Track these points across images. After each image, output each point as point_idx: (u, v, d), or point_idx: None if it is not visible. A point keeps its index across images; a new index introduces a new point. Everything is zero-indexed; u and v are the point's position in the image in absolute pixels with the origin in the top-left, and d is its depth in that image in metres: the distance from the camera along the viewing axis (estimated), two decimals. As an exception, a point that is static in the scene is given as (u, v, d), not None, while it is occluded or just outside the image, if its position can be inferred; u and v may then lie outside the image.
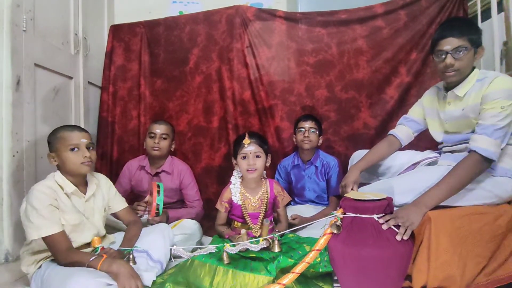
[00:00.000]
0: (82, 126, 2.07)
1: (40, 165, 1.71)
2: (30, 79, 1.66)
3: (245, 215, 1.50)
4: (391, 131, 1.56)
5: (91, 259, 1.13)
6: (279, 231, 1.41)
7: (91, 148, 1.30)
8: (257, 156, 1.46)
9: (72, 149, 1.25)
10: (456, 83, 1.30)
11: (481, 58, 1.31)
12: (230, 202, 1.53)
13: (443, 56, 1.27)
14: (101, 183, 1.41)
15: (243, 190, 1.52)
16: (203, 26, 2.27)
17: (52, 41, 1.88)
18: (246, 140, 1.45)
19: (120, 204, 1.47)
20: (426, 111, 1.49)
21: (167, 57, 2.33)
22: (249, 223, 1.50)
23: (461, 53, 1.24)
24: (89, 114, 2.26)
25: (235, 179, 1.54)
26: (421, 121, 1.52)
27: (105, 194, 1.41)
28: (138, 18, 2.40)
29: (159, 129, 1.87)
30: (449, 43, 1.25)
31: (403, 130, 1.53)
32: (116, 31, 2.40)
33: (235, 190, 1.51)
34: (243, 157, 1.46)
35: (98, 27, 2.42)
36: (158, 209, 1.60)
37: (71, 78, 2.05)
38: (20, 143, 1.57)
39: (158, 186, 1.61)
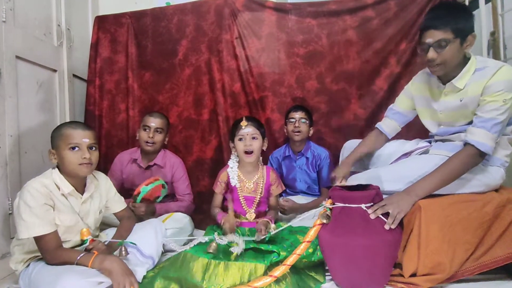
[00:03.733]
0: (68, 120, 2.03)
1: (24, 160, 1.66)
2: (12, 72, 1.60)
3: (240, 198, 1.52)
4: (377, 124, 1.55)
5: (79, 257, 1.10)
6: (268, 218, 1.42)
7: (93, 148, 1.23)
8: (254, 138, 1.47)
9: (72, 148, 1.18)
10: (451, 74, 1.23)
11: (471, 46, 1.20)
12: (226, 183, 1.55)
13: (426, 49, 1.20)
14: (100, 184, 1.36)
15: (240, 174, 1.55)
16: (192, 17, 2.22)
17: (34, 33, 1.81)
18: (244, 122, 1.47)
19: (119, 205, 1.44)
20: (416, 101, 1.43)
21: (155, 49, 2.27)
22: (244, 206, 1.53)
23: (443, 47, 1.16)
24: (75, 108, 2.21)
25: (232, 162, 1.55)
26: (408, 112, 1.49)
27: (104, 195, 1.37)
28: (123, 9, 2.33)
29: (154, 122, 1.82)
30: (430, 36, 1.17)
31: (389, 124, 1.52)
32: (101, 22, 2.32)
33: (232, 173, 1.53)
34: (240, 138, 1.47)
35: (82, 18, 2.35)
36: (138, 194, 1.59)
37: (55, 70, 1.99)
38: (2, 138, 1.52)
39: (156, 180, 1.63)
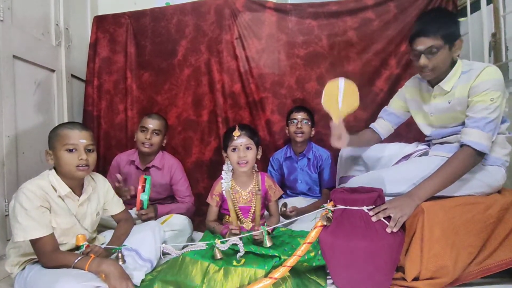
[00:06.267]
0: (66, 121, 2.01)
1: (21, 161, 1.64)
2: (9, 71, 1.58)
3: (236, 209, 1.48)
4: (371, 125, 1.57)
5: (76, 260, 1.08)
6: (269, 226, 1.39)
7: (90, 150, 1.20)
8: (248, 148, 1.42)
9: (69, 150, 1.15)
10: (440, 77, 1.27)
11: (459, 51, 1.24)
12: (221, 195, 1.51)
13: (418, 56, 1.23)
14: (98, 186, 1.33)
15: (234, 184, 1.50)
16: (191, 17, 2.21)
17: (32, 32, 1.80)
18: (236, 132, 1.41)
19: (117, 207, 1.41)
20: (409, 104, 1.47)
21: (154, 49, 2.26)
22: (240, 217, 1.48)
23: (434, 53, 1.19)
24: (73, 108, 2.19)
25: (225, 173, 1.50)
26: (401, 114, 1.52)
27: (101, 197, 1.34)
28: (122, 9, 2.32)
29: (152, 124, 1.80)
30: (421, 43, 1.20)
31: (382, 125, 1.54)
32: (100, 22, 2.31)
33: (225, 185, 1.48)
34: (233, 149, 1.42)
35: (81, 17, 2.34)
36: (142, 204, 1.56)
37: (53, 70, 1.97)
38: (-1, 139, 1.50)
39: (145, 181, 1.56)
